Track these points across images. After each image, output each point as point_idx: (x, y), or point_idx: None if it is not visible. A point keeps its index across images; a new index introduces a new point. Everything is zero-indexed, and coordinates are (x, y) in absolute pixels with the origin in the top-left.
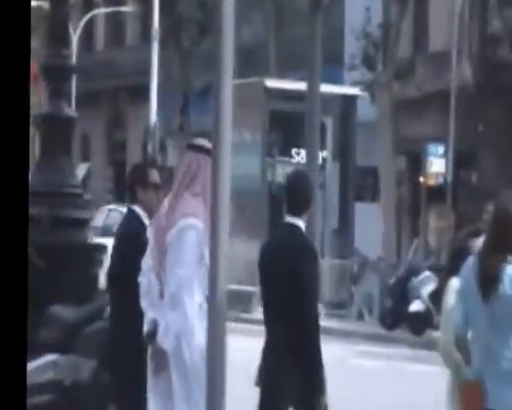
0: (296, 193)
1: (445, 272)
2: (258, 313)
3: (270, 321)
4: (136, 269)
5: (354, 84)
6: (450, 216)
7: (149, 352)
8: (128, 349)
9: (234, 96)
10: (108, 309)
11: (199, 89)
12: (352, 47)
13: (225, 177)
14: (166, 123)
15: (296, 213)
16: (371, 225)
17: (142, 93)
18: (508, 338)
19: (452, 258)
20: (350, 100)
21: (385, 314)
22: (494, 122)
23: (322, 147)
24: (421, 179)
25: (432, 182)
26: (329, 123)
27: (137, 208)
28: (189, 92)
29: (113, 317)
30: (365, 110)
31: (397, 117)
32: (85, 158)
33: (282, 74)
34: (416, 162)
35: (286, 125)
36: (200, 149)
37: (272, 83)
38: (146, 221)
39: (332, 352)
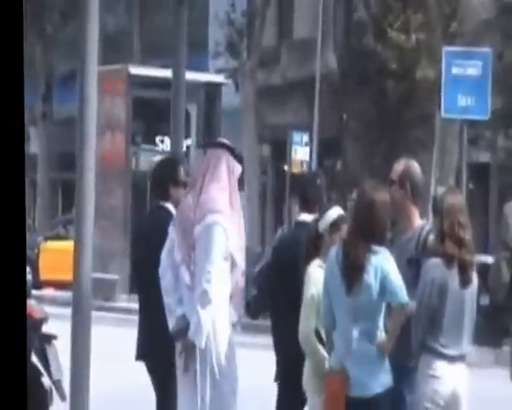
0: (309, 191)
1: (304, 260)
2: (122, 301)
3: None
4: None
5: (218, 71)
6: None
7: (178, 349)
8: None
9: (97, 82)
10: None
11: (62, 76)
12: (216, 34)
13: (90, 164)
14: (29, 111)
15: (308, 210)
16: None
17: None
18: (368, 326)
19: (311, 245)
20: (214, 87)
21: (249, 303)
22: (358, 111)
23: (187, 135)
24: (286, 167)
25: (296, 170)
26: (194, 110)
27: (170, 205)
28: (52, 79)
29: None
30: (230, 98)
31: (261, 105)
32: None
33: (145, 61)
34: (281, 150)
35: (150, 113)
36: (219, 145)
37: (136, 70)
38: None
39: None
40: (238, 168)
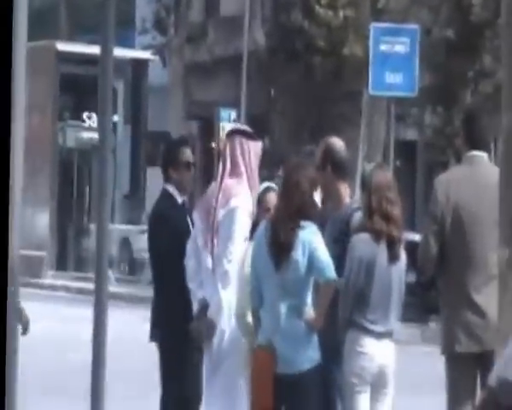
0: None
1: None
2: (49, 278)
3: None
4: (171, 248)
5: (145, 47)
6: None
7: (200, 326)
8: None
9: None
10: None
11: None
12: (143, 10)
13: (19, 141)
14: None
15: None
16: None
17: None
18: (296, 302)
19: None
20: (141, 64)
21: None
22: (286, 87)
23: (114, 111)
24: (214, 144)
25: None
26: (120, 87)
27: (170, 187)
28: None
29: (159, 295)
30: (157, 74)
31: (188, 81)
32: None
33: (72, 37)
34: (208, 127)
35: (77, 89)
36: (243, 133)
37: (63, 46)
38: (179, 199)
39: (124, 318)
40: (255, 146)
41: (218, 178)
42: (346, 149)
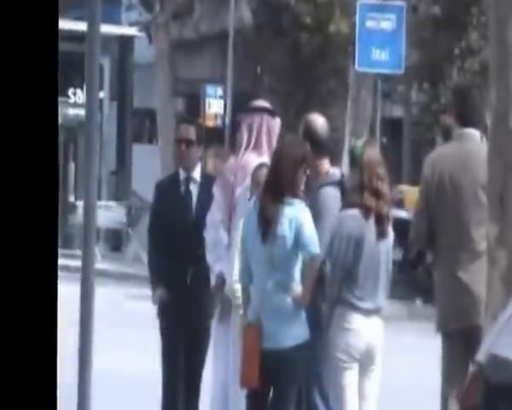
0: None
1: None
2: None
3: None
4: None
5: (131, 24)
6: (228, 157)
7: (215, 301)
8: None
9: None
10: None
11: None
12: None
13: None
14: None
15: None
16: (149, 167)
17: None
18: (283, 278)
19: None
20: (127, 40)
21: None
22: (273, 64)
23: (100, 88)
24: (200, 121)
25: (210, 123)
26: (106, 64)
27: (181, 171)
28: None
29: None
30: (143, 51)
31: (175, 58)
32: None
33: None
34: (195, 104)
35: (62, 65)
36: (262, 109)
37: None
38: (181, 175)
39: (108, 295)
40: (276, 124)
41: (240, 154)
42: (327, 126)
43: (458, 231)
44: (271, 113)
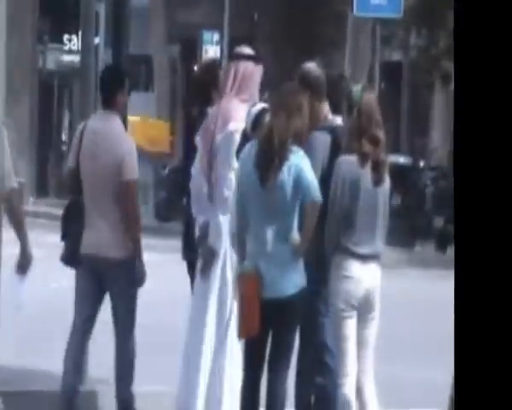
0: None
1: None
2: (29, 204)
3: None
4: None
5: None
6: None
7: (199, 252)
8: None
9: None
10: None
11: None
12: None
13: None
14: None
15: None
16: (145, 114)
17: None
18: (282, 226)
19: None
20: None
21: (159, 206)
22: (270, 8)
23: (95, 33)
24: (196, 68)
25: None
26: (102, 9)
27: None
28: None
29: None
30: None
31: (170, 4)
32: None
33: None
34: (191, 50)
35: (57, 11)
36: (247, 57)
37: None
38: None
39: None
40: (258, 71)
41: (219, 102)
42: (322, 71)
43: None
44: (254, 59)
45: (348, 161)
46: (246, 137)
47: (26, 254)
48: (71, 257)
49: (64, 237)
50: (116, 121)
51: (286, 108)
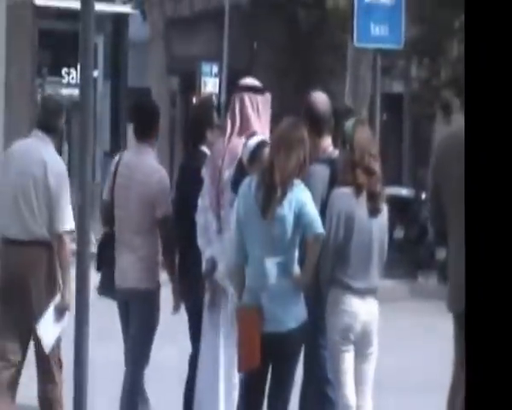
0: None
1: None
2: None
3: None
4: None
5: (125, 1)
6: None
7: (206, 286)
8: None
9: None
10: None
11: None
12: None
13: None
14: None
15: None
16: None
17: None
18: (283, 260)
19: (238, 177)
20: (121, 18)
21: None
22: (269, 40)
23: (94, 66)
24: (195, 100)
25: None
26: (100, 42)
27: (205, 148)
28: None
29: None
30: (137, 29)
31: (169, 36)
32: None
33: None
34: (190, 82)
35: (55, 44)
36: (246, 88)
37: (41, 1)
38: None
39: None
40: (263, 100)
41: (226, 137)
42: (328, 104)
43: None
44: (257, 90)
45: (343, 192)
46: (241, 169)
47: (64, 299)
48: (105, 288)
49: (99, 268)
50: (149, 154)
51: (287, 143)
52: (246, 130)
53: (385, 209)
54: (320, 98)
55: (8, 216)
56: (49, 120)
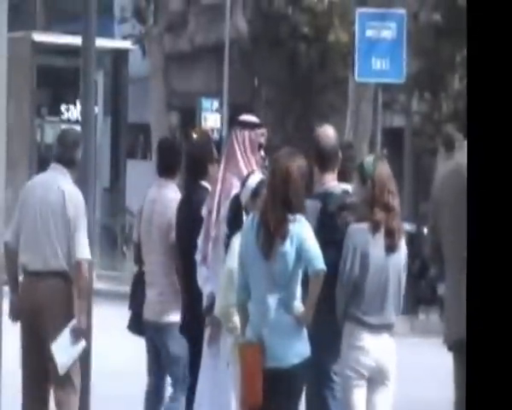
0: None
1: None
2: None
3: None
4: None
5: (125, 37)
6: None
7: (206, 322)
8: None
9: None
10: None
11: None
12: None
13: (1, 133)
14: None
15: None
16: (143, 183)
17: None
18: (284, 296)
19: (233, 215)
20: (121, 54)
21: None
22: (270, 75)
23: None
24: (193, 135)
25: None
26: (100, 78)
27: (206, 183)
28: None
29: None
30: (137, 65)
31: (169, 71)
32: None
33: (49, 28)
34: (190, 117)
35: (54, 81)
36: (240, 123)
37: (40, 37)
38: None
39: (103, 315)
40: (250, 134)
41: (220, 174)
42: (334, 139)
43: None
44: (245, 125)
45: (359, 228)
46: (237, 208)
47: (80, 323)
48: (135, 325)
49: (130, 306)
50: (172, 188)
51: (286, 175)
52: (233, 166)
53: (403, 245)
54: (328, 132)
55: (30, 251)
56: (67, 152)
